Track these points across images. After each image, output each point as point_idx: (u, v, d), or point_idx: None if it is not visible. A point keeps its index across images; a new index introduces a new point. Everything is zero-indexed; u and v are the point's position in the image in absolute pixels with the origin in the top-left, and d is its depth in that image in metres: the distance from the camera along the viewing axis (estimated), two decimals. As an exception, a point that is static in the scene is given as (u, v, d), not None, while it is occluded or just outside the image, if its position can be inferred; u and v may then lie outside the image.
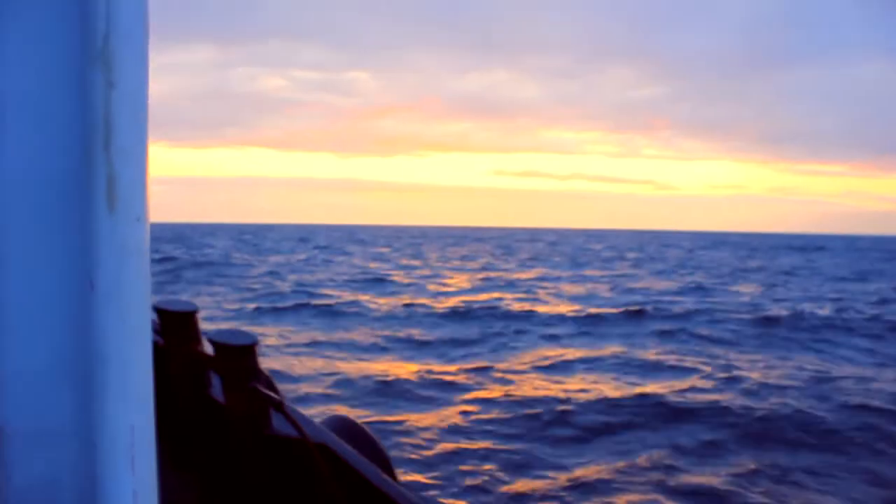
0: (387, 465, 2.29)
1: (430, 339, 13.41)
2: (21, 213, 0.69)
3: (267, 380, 2.40)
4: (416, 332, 14.18)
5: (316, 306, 17.86)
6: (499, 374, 10.23)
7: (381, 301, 19.45)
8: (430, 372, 10.25)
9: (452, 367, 10.77)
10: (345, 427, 2.36)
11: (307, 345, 12.42)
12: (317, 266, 33.94)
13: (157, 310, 2.36)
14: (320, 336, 13.41)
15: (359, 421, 2.51)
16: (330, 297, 20.32)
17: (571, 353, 11.96)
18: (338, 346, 12.39)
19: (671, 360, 11.47)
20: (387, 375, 9.85)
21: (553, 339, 13.71)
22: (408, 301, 19.42)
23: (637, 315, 16.73)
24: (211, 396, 2.31)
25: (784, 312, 17.51)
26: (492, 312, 17.40)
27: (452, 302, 19.44)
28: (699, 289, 24.93)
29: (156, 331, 2.66)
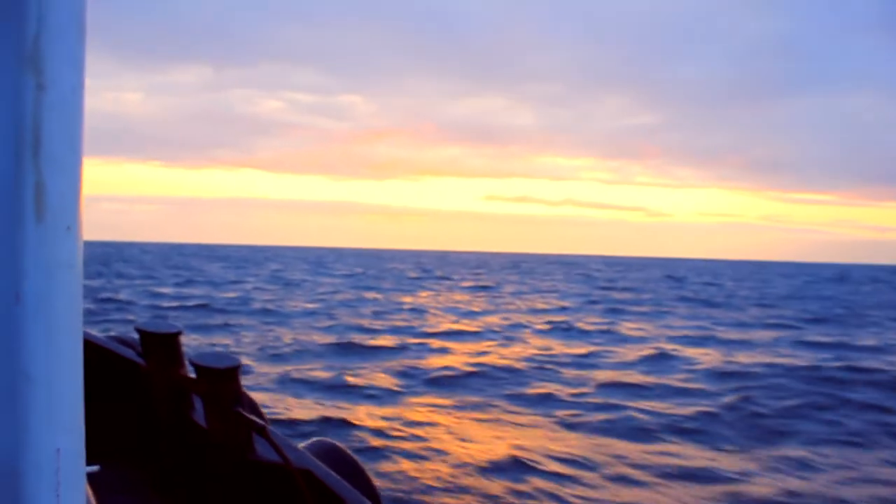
0: (371, 492, 2.26)
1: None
2: None
3: (250, 403, 2.37)
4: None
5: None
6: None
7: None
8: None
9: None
10: (329, 452, 2.32)
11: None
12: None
13: (140, 331, 2.33)
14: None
15: (343, 446, 2.47)
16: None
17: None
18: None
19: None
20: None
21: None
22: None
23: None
24: (193, 420, 2.27)
25: None
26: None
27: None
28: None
29: (138, 353, 2.62)
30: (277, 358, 13.20)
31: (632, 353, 15.08)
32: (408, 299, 29.59)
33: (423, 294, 33.87)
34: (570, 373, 12.58)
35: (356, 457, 2.40)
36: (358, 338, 16.14)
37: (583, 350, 15.45)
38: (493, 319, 22.18)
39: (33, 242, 0.63)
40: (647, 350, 15.34)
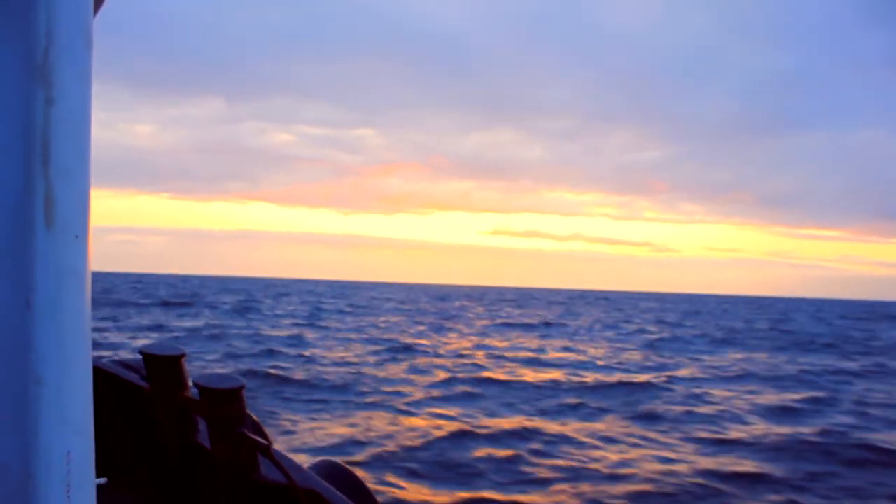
0: None
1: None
2: None
3: (254, 424, 2.36)
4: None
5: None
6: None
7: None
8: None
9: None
10: (334, 473, 2.30)
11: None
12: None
13: (144, 354, 2.33)
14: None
15: (349, 466, 2.45)
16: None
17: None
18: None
19: None
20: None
21: None
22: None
23: None
24: (198, 442, 2.26)
25: None
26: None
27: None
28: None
29: (142, 376, 2.62)
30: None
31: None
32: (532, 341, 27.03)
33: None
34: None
35: (360, 477, 2.38)
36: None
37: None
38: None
39: (43, 250, 0.66)
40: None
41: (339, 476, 2.32)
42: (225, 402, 2.12)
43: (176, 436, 2.32)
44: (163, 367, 2.35)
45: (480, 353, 21.22)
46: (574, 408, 12.43)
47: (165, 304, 41.43)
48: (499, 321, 38.93)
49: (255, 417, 2.47)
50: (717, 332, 35.69)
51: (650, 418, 11.69)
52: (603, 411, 12.18)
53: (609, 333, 31.51)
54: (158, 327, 26.11)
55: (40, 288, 0.65)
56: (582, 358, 20.94)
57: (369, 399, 12.60)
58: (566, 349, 23.69)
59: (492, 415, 11.47)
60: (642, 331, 34.59)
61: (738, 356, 23.08)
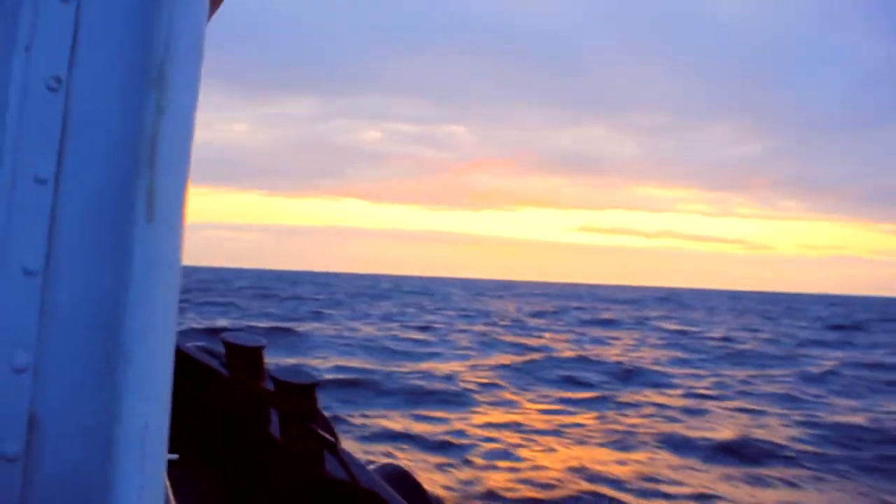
0: None
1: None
2: (71, 217, 0.77)
3: (324, 420, 2.41)
4: None
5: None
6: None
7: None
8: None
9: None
10: (398, 477, 2.32)
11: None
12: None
13: (226, 343, 2.41)
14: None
15: (414, 473, 2.46)
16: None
17: None
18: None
19: None
20: None
21: None
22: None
23: None
24: (268, 432, 2.33)
25: None
26: None
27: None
28: None
29: (223, 364, 2.72)
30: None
31: None
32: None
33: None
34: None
35: (425, 485, 2.39)
36: None
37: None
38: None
39: (142, 240, 0.74)
40: None
41: (403, 481, 2.34)
42: (297, 396, 2.17)
43: (248, 424, 2.40)
44: (243, 356, 2.43)
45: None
46: None
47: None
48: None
49: (325, 415, 2.52)
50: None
51: None
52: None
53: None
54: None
55: (137, 274, 0.73)
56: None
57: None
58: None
59: None
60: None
61: None
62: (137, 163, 0.74)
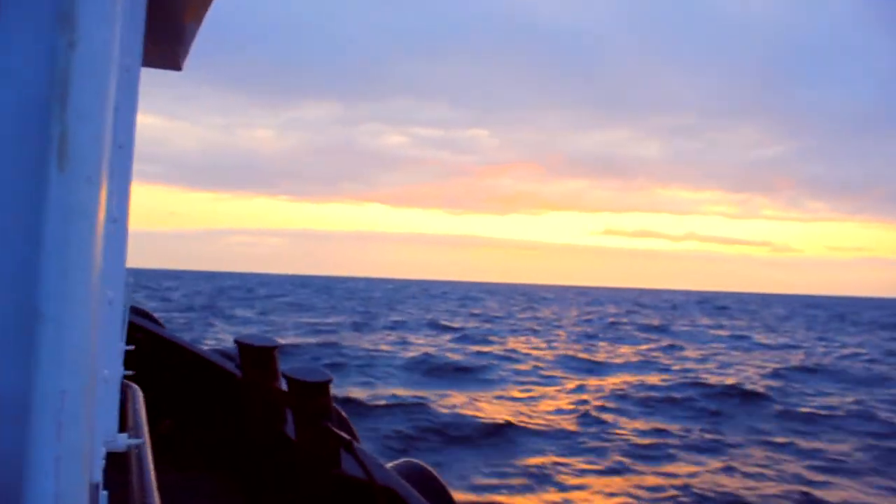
0: None
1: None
2: None
3: (339, 417, 2.37)
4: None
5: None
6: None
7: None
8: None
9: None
10: (416, 473, 2.27)
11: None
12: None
13: (239, 344, 2.39)
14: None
15: (432, 469, 2.41)
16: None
17: None
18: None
19: None
20: None
21: None
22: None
23: None
24: (284, 432, 2.30)
25: None
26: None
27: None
28: None
29: (237, 365, 2.70)
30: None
31: None
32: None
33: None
34: None
35: (444, 481, 2.34)
36: None
37: None
38: None
39: (54, 191, 0.68)
40: None
41: (421, 477, 2.29)
42: (311, 394, 2.14)
43: (263, 424, 2.37)
44: (256, 357, 2.40)
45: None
46: None
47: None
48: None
49: (341, 412, 2.49)
50: None
51: None
52: None
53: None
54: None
55: (49, 227, 0.67)
56: None
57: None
58: None
59: None
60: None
61: None
62: (48, 105, 0.68)
